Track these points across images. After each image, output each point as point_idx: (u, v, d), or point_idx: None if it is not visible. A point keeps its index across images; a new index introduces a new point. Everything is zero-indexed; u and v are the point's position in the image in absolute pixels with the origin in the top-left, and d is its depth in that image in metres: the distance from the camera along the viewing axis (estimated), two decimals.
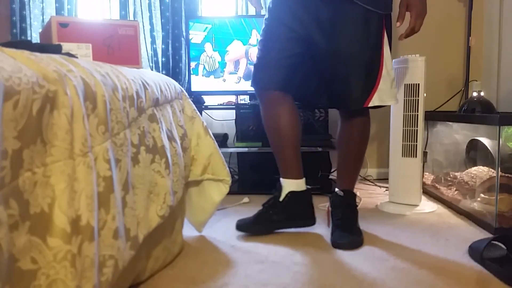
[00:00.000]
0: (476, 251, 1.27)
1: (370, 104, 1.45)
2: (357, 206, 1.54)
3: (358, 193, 2.20)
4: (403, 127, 1.85)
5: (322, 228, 1.57)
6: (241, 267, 1.24)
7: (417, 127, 1.82)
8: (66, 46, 1.21)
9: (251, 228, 1.52)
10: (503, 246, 1.28)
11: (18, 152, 0.61)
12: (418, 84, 1.80)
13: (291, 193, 1.51)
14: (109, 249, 0.77)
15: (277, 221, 1.51)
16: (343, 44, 1.40)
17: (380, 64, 1.45)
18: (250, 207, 1.94)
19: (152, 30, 2.47)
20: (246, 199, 2.04)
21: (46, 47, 0.98)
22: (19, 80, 0.61)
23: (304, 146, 1.80)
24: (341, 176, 1.59)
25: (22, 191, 0.62)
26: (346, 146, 1.57)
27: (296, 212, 1.51)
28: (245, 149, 2.21)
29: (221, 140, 2.27)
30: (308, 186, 1.54)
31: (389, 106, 1.92)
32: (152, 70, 2.47)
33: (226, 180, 1.44)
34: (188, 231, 1.55)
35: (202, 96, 2.38)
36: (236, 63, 2.31)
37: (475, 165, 1.93)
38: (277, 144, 1.52)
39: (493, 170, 1.74)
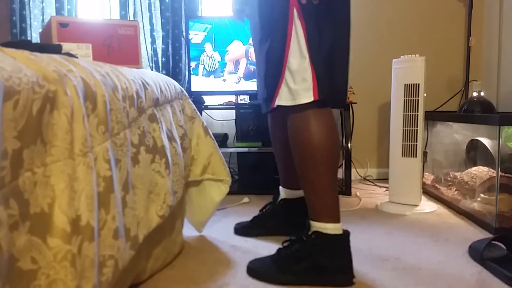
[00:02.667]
0: (476, 251, 1.27)
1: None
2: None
3: (358, 193, 2.20)
4: (403, 127, 1.85)
5: None
6: (241, 267, 1.24)
7: (417, 127, 1.82)
8: (66, 46, 1.21)
9: (247, 232, 1.52)
10: (503, 246, 1.28)
11: (18, 152, 0.61)
12: (418, 84, 1.80)
13: (284, 201, 1.50)
14: (109, 249, 0.77)
15: (271, 227, 1.50)
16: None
17: (284, 55, 1.13)
18: (250, 207, 1.94)
19: (152, 30, 2.47)
20: (246, 199, 2.04)
21: (46, 47, 0.98)
22: (19, 80, 0.61)
23: None
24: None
25: (22, 191, 0.62)
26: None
27: (288, 220, 1.48)
28: (245, 149, 2.21)
29: (221, 140, 2.27)
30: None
31: (389, 105, 1.93)
32: (152, 70, 2.47)
33: (226, 180, 1.44)
34: (188, 231, 1.55)
35: (202, 96, 2.38)
36: (236, 63, 2.31)
37: (475, 165, 1.93)
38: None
39: (493, 170, 1.74)
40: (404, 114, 1.85)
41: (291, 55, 1.11)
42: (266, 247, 1.40)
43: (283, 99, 1.14)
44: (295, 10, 1.09)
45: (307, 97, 1.10)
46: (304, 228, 1.25)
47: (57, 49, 0.97)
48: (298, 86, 1.11)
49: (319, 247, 1.12)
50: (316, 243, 1.12)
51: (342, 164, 2.23)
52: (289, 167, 1.43)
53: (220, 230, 1.59)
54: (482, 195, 1.72)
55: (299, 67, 1.10)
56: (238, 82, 2.32)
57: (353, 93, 2.29)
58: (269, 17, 1.14)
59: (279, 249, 1.21)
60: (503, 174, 1.65)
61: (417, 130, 1.82)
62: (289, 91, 1.13)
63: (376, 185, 2.42)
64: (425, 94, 1.82)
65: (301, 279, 1.12)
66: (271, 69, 1.16)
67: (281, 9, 1.10)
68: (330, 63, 1.12)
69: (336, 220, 1.13)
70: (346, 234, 1.13)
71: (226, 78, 2.32)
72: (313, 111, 1.12)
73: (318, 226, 1.12)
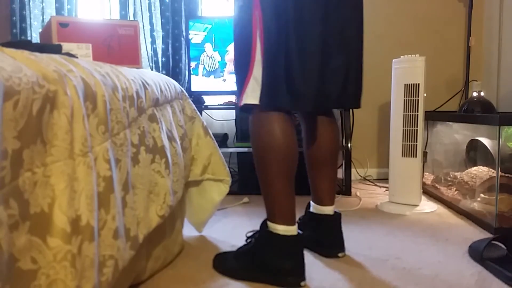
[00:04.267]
0: (476, 251, 1.27)
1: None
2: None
3: (358, 193, 2.20)
4: (403, 127, 1.85)
5: None
6: None
7: (417, 127, 1.82)
8: (66, 46, 1.21)
9: None
10: (503, 246, 1.28)
11: (18, 152, 0.61)
12: (418, 84, 1.80)
13: (309, 213, 1.38)
14: (109, 249, 0.77)
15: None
16: None
17: (251, 47, 1.11)
18: (250, 207, 1.94)
19: (152, 30, 2.47)
20: (246, 199, 2.04)
21: (46, 47, 0.98)
22: (19, 80, 0.61)
23: None
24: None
25: (22, 191, 0.62)
26: None
27: (310, 236, 1.35)
28: (245, 149, 2.21)
29: (221, 140, 2.27)
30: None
31: (389, 105, 1.93)
32: (152, 70, 2.47)
33: (226, 180, 1.44)
34: (188, 231, 1.55)
35: (202, 96, 2.38)
36: None
37: (475, 165, 1.93)
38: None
39: (493, 170, 1.74)
40: (404, 114, 1.85)
41: (256, 63, 1.10)
42: None
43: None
44: (257, 15, 1.08)
45: (253, 97, 1.11)
46: (329, 249, 1.31)
47: (57, 49, 0.97)
48: (250, 88, 1.12)
49: (270, 246, 1.12)
50: (267, 242, 1.13)
51: (342, 164, 2.23)
52: (309, 177, 1.36)
53: (220, 230, 1.59)
54: (482, 195, 1.72)
55: (257, 72, 1.11)
56: None
57: None
58: (236, 19, 1.15)
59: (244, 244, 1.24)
60: (503, 174, 1.65)
61: (417, 130, 1.82)
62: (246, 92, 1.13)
63: (376, 185, 2.42)
64: (425, 94, 1.82)
65: (253, 276, 1.14)
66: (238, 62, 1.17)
67: (247, 13, 1.10)
68: (285, 66, 1.08)
69: (288, 222, 1.11)
70: (299, 236, 1.13)
71: (226, 78, 2.32)
72: (265, 114, 1.11)
73: (271, 226, 1.13)
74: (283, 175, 1.11)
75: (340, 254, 1.31)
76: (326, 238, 1.33)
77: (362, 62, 1.24)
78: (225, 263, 1.22)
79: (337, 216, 1.32)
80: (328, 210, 1.32)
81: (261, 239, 1.16)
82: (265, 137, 1.11)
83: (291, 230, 1.11)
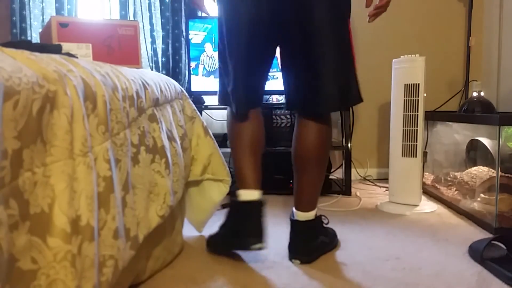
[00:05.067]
0: (476, 251, 1.27)
1: None
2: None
3: (358, 193, 2.20)
4: (403, 127, 1.85)
5: None
6: (241, 266, 1.24)
7: (417, 127, 1.82)
8: (66, 46, 1.21)
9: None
10: (503, 246, 1.28)
11: (18, 152, 0.61)
12: (418, 84, 1.80)
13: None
14: (109, 249, 0.77)
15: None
16: None
17: None
18: None
19: (152, 30, 2.47)
20: None
21: (46, 47, 0.98)
22: (19, 80, 0.61)
23: None
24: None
25: (22, 191, 0.62)
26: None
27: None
28: None
29: (221, 140, 2.27)
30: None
31: (389, 105, 1.92)
32: (152, 70, 2.47)
33: (226, 180, 1.44)
34: (188, 231, 1.55)
35: (202, 96, 2.38)
36: None
37: (475, 165, 1.93)
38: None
39: (493, 170, 1.74)
40: (404, 114, 1.85)
41: None
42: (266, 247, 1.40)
43: None
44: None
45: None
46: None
47: (57, 49, 0.97)
48: None
49: (234, 213, 1.29)
50: (233, 210, 1.30)
51: (342, 164, 2.23)
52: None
53: None
54: (482, 195, 1.72)
55: None
56: None
57: None
58: None
59: None
60: (503, 174, 1.65)
61: (417, 130, 1.83)
62: None
63: (376, 185, 2.42)
64: (425, 94, 1.82)
65: (227, 244, 1.30)
66: None
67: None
68: (227, 67, 1.31)
69: (245, 186, 1.28)
70: (258, 202, 1.25)
71: None
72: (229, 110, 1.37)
73: (237, 193, 1.28)
74: (245, 152, 1.31)
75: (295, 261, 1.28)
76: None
77: (341, 59, 1.17)
78: (212, 239, 1.39)
79: (299, 224, 1.30)
80: (300, 215, 1.29)
81: (230, 209, 1.32)
82: (231, 126, 1.36)
83: (252, 194, 1.26)
